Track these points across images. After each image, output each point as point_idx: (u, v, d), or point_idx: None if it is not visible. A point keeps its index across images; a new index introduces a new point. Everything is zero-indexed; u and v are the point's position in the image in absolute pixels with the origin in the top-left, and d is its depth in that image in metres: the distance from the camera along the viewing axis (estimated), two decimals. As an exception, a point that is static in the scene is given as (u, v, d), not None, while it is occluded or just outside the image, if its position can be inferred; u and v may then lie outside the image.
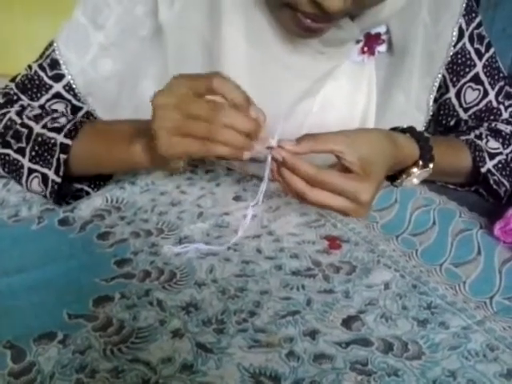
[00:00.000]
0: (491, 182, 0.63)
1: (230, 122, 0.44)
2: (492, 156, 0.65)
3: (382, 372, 0.40)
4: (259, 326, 0.44)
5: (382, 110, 0.68)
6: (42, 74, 0.63)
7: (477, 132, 0.67)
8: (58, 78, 0.63)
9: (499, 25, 2.14)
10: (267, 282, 0.49)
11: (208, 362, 0.40)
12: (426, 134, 0.58)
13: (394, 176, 0.59)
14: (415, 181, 0.58)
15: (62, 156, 0.57)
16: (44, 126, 0.59)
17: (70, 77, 0.63)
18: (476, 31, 0.67)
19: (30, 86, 0.64)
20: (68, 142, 0.57)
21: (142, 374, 0.39)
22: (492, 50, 0.69)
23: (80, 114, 0.65)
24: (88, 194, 0.63)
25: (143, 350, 0.41)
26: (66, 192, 0.61)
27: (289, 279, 0.50)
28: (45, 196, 0.60)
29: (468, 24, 0.66)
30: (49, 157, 0.57)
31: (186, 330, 0.43)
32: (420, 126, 0.70)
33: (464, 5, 0.65)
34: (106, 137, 0.57)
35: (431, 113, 0.70)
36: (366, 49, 0.64)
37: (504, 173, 0.65)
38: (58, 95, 0.64)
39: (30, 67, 0.65)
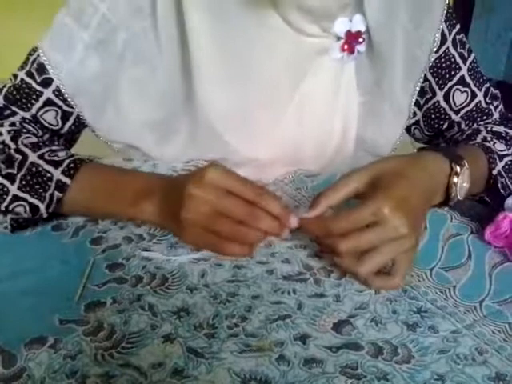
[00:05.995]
0: (499, 185, 0.62)
1: (263, 226, 0.47)
2: (501, 158, 0.64)
3: (371, 376, 0.40)
4: (250, 331, 0.44)
5: (366, 113, 0.69)
6: (30, 80, 0.62)
7: (481, 135, 0.67)
8: (47, 83, 0.62)
9: (494, 30, 2.16)
10: (259, 286, 0.50)
11: (199, 367, 0.40)
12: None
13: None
14: (465, 185, 0.55)
15: (57, 194, 0.55)
16: (41, 157, 0.56)
17: (58, 79, 0.62)
18: (458, 37, 0.68)
19: (19, 96, 0.63)
20: (66, 180, 0.55)
21: (133, 378, 0.39)
22: (473, 55, 0.70)
23: (71, 119, 0.65)
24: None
25: (134, 354, 0.41)
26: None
27: (280, 284, 0.50)
28: (24, 220, 0.57)
29: (450, 30, 0.67)
30: (41, 190, 0.55)
31: (177, 334, 0.43)
32: (399, 128, 0.71)
33: (444, 11, 0.66)
34: (107, 190, 0.56)
35: (411, 116, 0.71)
36: (346, 47, 0.65)
37: (510, 175, 0.64)
38: (48, 102, 0.63)
39: (15, 76, 0.63)
